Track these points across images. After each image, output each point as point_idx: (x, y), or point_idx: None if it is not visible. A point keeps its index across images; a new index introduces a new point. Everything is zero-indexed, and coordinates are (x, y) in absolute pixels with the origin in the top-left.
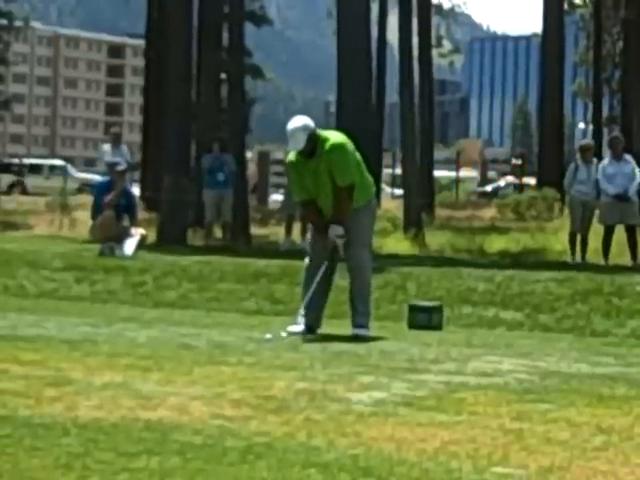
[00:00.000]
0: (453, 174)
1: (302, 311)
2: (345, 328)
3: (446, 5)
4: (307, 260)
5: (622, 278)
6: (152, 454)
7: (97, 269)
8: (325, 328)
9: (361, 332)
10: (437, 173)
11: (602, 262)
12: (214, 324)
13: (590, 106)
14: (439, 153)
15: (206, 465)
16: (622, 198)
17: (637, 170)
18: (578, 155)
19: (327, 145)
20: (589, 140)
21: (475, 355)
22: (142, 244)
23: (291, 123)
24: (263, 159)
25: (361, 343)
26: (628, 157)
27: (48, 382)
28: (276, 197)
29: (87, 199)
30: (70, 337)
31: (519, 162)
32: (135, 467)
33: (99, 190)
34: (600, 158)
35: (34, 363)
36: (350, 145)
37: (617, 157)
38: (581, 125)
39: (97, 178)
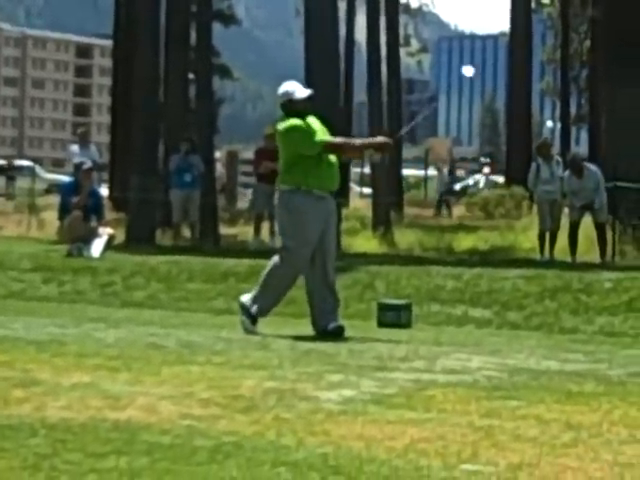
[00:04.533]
0: (422, 173)
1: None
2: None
3: (414, 4)
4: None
5: (590, 275)
6: (120, 454)
7: (65, 270)
8: (293, 328)
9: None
10: (406, 172)
11: (570, 259)
12: (183, 324)
13: (558, 104)
14: (408, 152)
15: (175, 465)
16: (589, 207)
17: (602, 182)
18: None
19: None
20: (544, 138)
21: (444, 353)
22: (110, 244)
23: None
24: (232, 159)
25: (330, 342)
26: (593, 168)
27: (15, 383)
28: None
29: (55, 200)
30: (38, 338)
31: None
32: (103, 467)
33: (66, 191)
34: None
35: (1, 364)
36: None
37: (579, 176)
38: (549, 123)
39: (65, 179)
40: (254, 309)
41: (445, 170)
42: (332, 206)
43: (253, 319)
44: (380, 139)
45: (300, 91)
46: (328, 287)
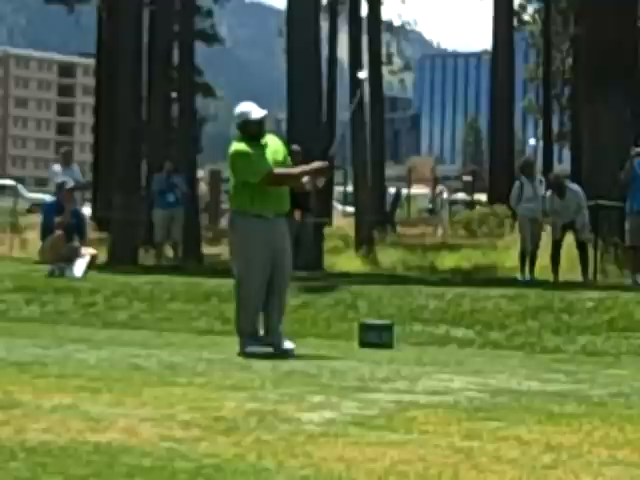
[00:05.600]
0: (405, 191)
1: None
2: (300, 347)
3: (396, 22)
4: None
5: (572, 294)
6: (101, 477)
7: (47, 290)
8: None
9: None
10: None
11: (552, 278)
12: (165, 344)
13: (540, 122)
14: (391, 170)
15: None
16: (571, 227)
17: (584, 201)
18: (520, 173)
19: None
20: (527, 157)
21: (426, 373)
22: (92, 264)
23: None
24: (215, 178)
25: (312, 363)
26: (574, 188)
27: None
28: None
29: (38, 219)
30: (19, 359)
31: (470, 179)
32: None
33: (48, 210)
34: (547, 175)
35: None
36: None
37: (561, 196)
38: (532, 141)
39: (48, 198)
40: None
41: (439, 187)
42: (282, 228)
43: (244, 342)
44: (317, 164)
45: (256, 112)
46: (274, 304)
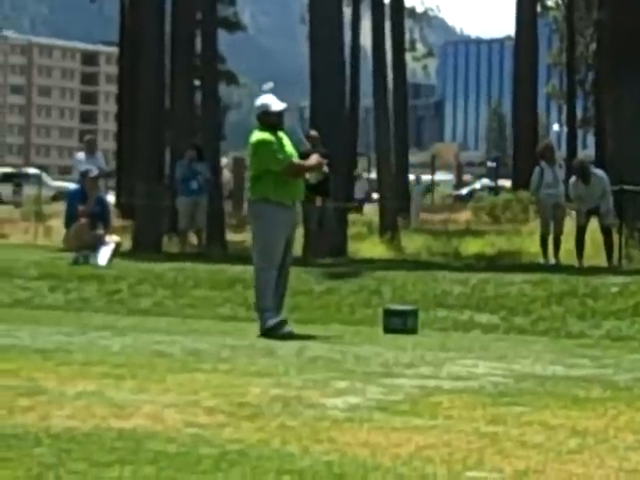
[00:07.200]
0: (428, 177)
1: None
2: (317, 333)
3: (419, 9)
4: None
5: (597, 279)
6: (125, 463)
7: (71, 277)
8: (300, 333)
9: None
10: (412, 177)
11: (577, 263)
12: (189, 331)
13: (564, 108)
14: (414, 157)
15: (180, 474)
16: (596, 212)
17: (608, 187)
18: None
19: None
20: (547, 141)
21: (450, 359)
22: (117, 252)
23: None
24: (238, 165)
25: (337, 348)
26: (599, 174)
27: (21, 392)
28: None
29: (62, 207)
30: (43, 346)
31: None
32: (108, 477)
33: (72, 198)
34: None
35: (7, 373)
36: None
37: (585, 182)
38: (555, 127)
39: (72, 186)
40: (262, 319)
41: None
42: (296, 215)
43: (266, 317)
44: (316, 159)
45: (276, 104)
46: (281, 285)
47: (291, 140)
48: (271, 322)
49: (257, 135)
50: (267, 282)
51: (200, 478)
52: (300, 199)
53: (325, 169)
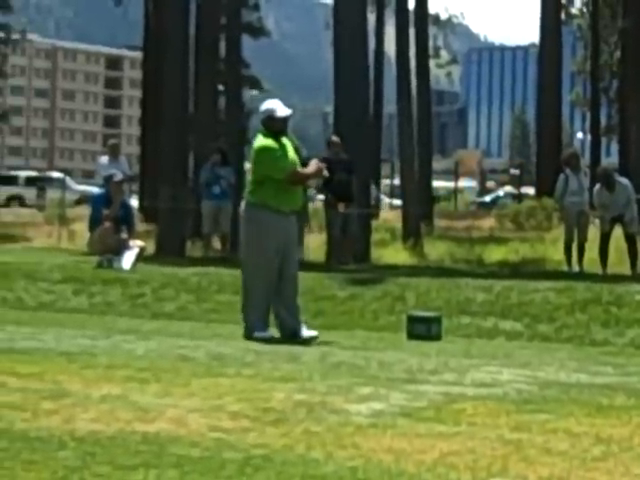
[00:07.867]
0: (452, 184)
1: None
2: (339, 339)
3: (443, 16)
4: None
5: (621, 287)
6: (149, 467)
7: (95, 281)
8: (324, 339)
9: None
10: (435, 183)
11: (600, 271)
12: (212, 335)
13: (588, 115)
14: (438, 164)
15: (204, 478)
16: (620, 220)
17: (633, 195)
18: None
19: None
20: (571, 149)
21: (474, 365)
22: (140, 256)
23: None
24: None
25: (360, 354)
26: (624, 182)
27: (45, 395)
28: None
29: (86, 211)
30: (68, 349)
31: (517, 172)
32: None
33: (96, 202)
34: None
35: (31, 376)
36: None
37: (610, 190)
38: (579, 134)
39: (95, 190)
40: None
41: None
42: (294, 223)
43: (251, 327)
44: (315, 165)
45: (281, 110)
46: (287, 297)
47: (294, 146)
48: (258, 335)
49: (260, 141)
50: (254, 289)
51: None
52: (298, 208)
53: (325, 173)
